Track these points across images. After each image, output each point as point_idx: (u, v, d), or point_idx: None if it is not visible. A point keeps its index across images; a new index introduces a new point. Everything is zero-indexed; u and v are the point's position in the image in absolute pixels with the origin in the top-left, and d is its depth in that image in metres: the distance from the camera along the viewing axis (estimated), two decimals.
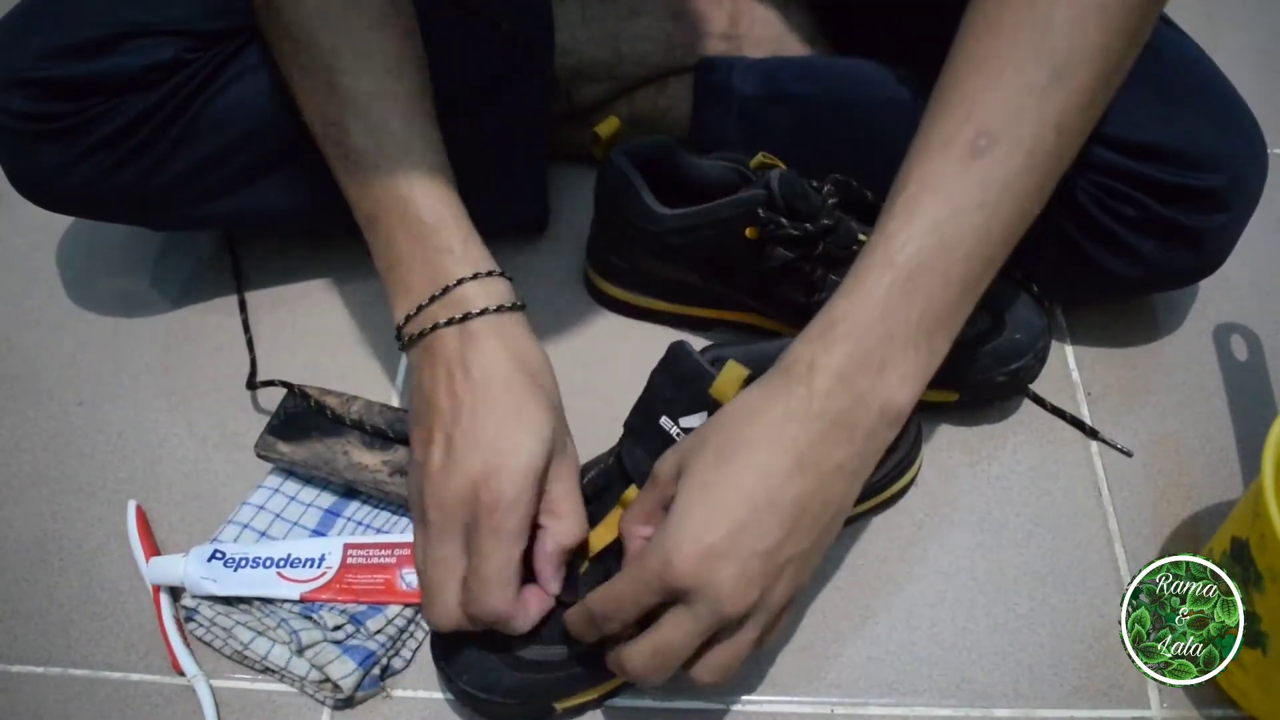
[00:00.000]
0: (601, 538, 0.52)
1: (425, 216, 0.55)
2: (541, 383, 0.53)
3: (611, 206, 0.70)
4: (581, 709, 0.56)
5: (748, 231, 0.64)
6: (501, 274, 0.56)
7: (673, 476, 0.48)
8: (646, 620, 0.47)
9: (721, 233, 0.65)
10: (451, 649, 0.54)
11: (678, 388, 0.52)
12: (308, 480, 0.65)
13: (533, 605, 0.51)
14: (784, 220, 0.62)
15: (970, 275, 0.47)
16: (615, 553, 0.51)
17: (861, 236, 0.64)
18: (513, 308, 0.55)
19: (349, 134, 0.56)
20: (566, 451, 0.53)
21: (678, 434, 0.51)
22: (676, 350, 0.53)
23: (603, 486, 0.55)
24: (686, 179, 0.69)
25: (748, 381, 0.49)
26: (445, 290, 0.53)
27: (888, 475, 0.61)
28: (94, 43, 0.63)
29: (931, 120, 0.49)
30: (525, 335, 0.54)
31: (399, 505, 0.63)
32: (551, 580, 0.52)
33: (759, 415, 0.47)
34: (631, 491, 0.52)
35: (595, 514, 0.53)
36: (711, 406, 0.50)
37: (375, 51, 0.56)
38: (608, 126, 0.72)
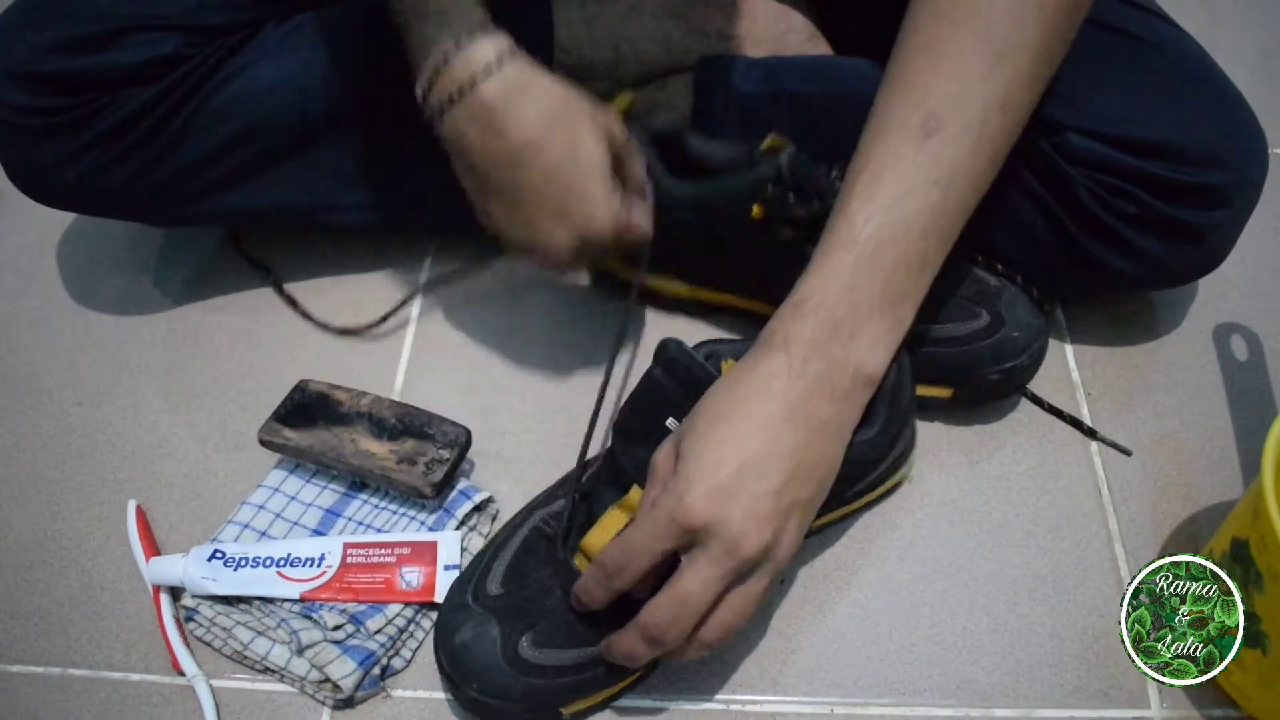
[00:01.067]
0: (598, 539, 0.52)
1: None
2: (579, 102, 0.57)
3: None
4: (588, 713, 0.56)
5: (754, 210, 0.63)
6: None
7: (671, 458, 0.49)
8: (654, 587, 0.48)
9: (729, 207, 0.65)
10: (457, 657, 0.53)
11: (684, 389, 0.52)
12: (309, 479, 0.65)
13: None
14: (791, 197, 0.62)
15: (928, 249, 0.51)
16: None
17: None
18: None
19: None
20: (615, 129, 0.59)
21: None
22: (674, 350, 0.53)
23: (583, 493, 0.56)
24: (695, 160, 0.68)
25: None
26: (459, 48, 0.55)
27: (885, 470, 0.61)
28: (94, 37, 0.63)
29: (885, 104, 0.52)
30: (542, 69, 0.57)
31: (407, 495, 0.63)
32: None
33: (745, 380, 0.49)
34: (635, 493, 0.52)
35: (590, 517, 0.54)
36: None
37: None
38: (620, 101, 0.71)
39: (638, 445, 0.53)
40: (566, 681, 0.53)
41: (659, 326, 0.74)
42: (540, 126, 0.55)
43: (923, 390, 0.65)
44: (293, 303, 0.76)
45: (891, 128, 0.51)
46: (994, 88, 0.51)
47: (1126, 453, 0.67)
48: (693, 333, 0.72)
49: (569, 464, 0.60)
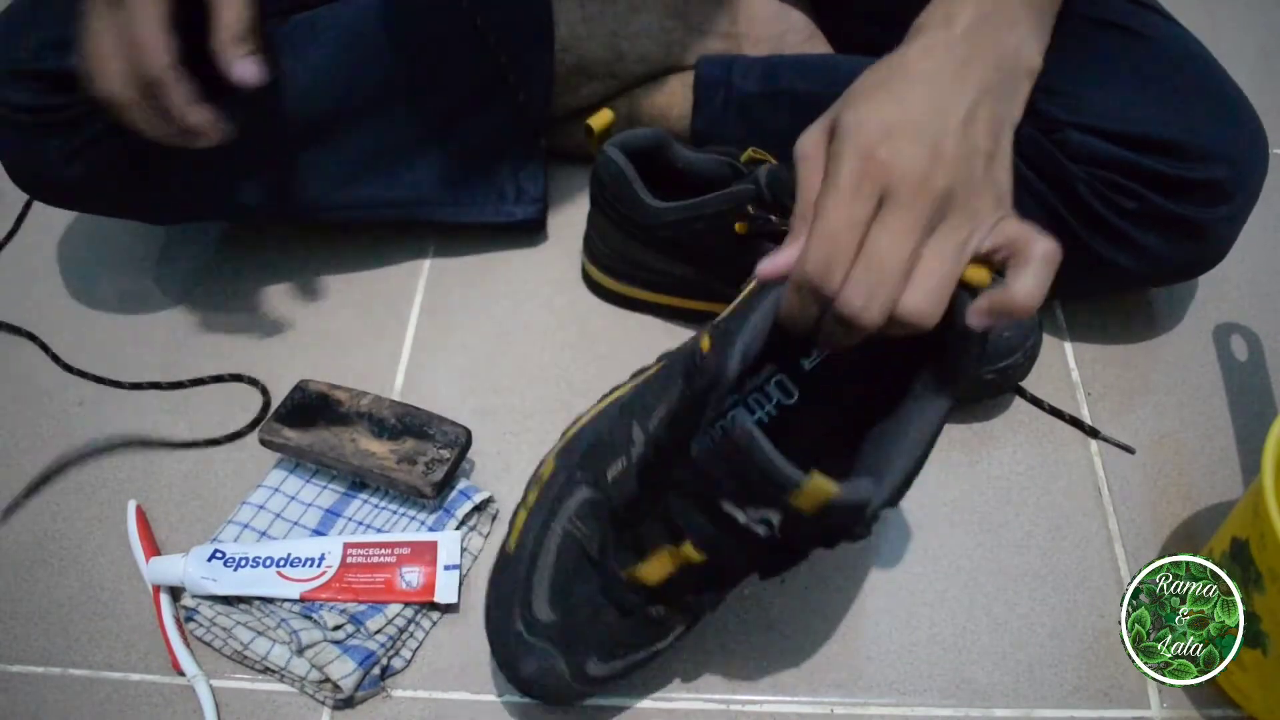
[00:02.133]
0: (650, 573, 0.49)
1: None
2: None
3: (604, 198, 0.70)
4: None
5: (737, 226, 0.64)
6: None
7: (823, 138, 0.46)
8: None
9: (711, 226, 0.65)
10: (528, 689, 0.53)
11: (742, 480, 0.45)
12: (309, 479, 0.65)
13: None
14: (772, 217, 0.62)
15: None
16: (674, 586, 0.50)
17: None
18: None
19: None
20: None
21: (745, 521, 0.45)
22: (750, 444, 0.44)
23: (636, 519, 0.51)
24: (679, 172, 0.69)
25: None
26: None
27: None
28: None
29: None
30: None
31: (407, 495, 0.63)
32: (235, 61, 0.56)
33: (903, 52, 0.48)
34: (689, 550, 0.47)
35: (634, 544, 0.51)
36: (789, 510, 0.44)
37: None
38: (600, 119, 0.72)
39: (693, 510, 0.47)
40: (630, 677, 0.54)
41: (649, 335, 0.74)
42: None
43: None
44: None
45: None
46: None
47: (1129, 450, 0.67)
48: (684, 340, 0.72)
49: None
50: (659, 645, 0.54)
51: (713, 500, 0.46)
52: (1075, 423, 0.68)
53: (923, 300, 0.43)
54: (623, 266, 0.73)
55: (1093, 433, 0.68)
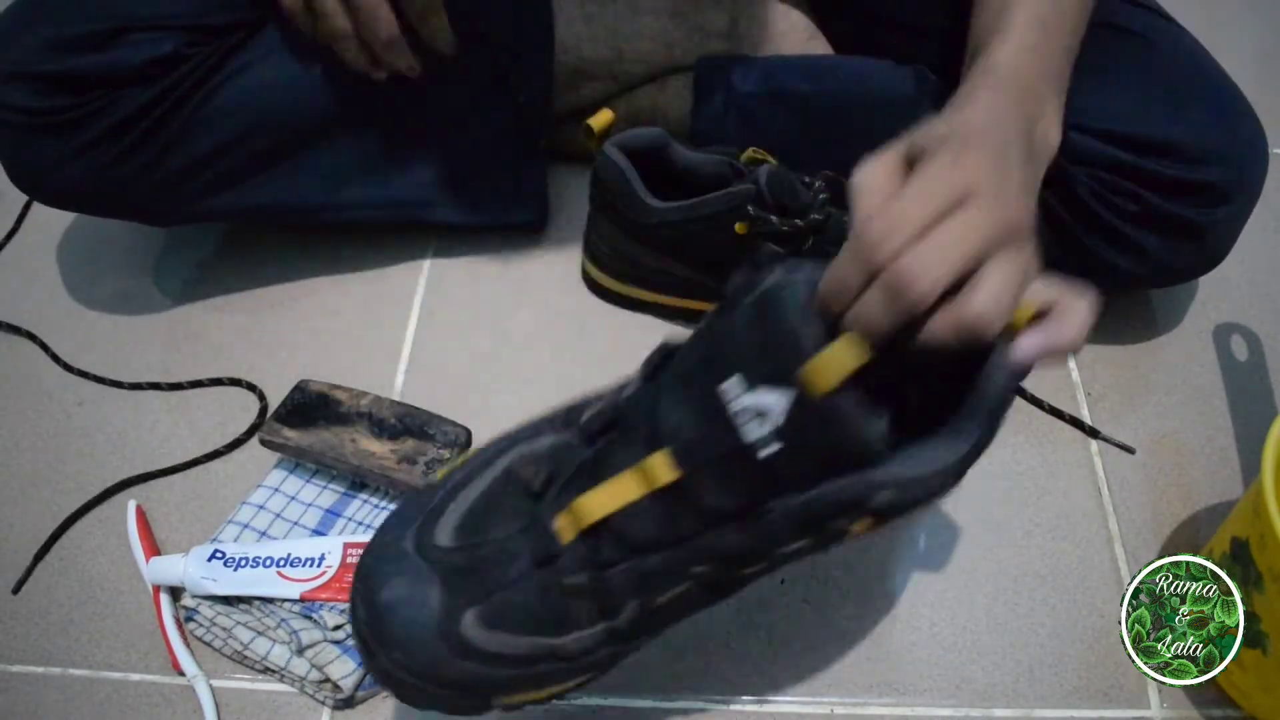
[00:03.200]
0: (599, 505, 0.42)
1: None
2: None
3: (604, 198, 0.70)
4: (523, 705, 0.47)
5: (737, 226, 0.64)
6: None
7: (895, 170, 0.43)
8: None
9: (711, 227, 0.65)
10: (381, 618, 0.43)
11: (762, 346, 0.39)
12: (308, 479, 0.65)
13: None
14: (773, 218, 0.62)
15: (1074, 44, 0.57)
16: (608, 530, 0.42)
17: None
18: None
19: None
20: None
21: (739, 409, 0.39)
22: (777, 291, 0.39)
23: (613, 426, 0.44)
24: (679, 171, 0.69)
25: (855, 373, 0.38)
26: None
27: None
28: (95, 36, 0.63)
29: None
30: None
31: (407, 494, 0.63)
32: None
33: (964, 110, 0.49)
34: (660, 461, 0.41)
35: (596, 466, 0.43)
36: (796, 390, 0.38)
37: None
38: (600, 119, 0.72)
39: (679, 405, 0.41)
40: (510, 674, 0.43)
41: (649, 335, 0.74)
42: None
43: None
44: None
45: None
46: None
47: (1129, 450, 0.67)
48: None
49: None
50: (552, 642, 0.43)
51: (709, 385, 0.39)
52: (1075, 423, 0.68)
53: (989, 301, 0.40)
54: (623, 266, 0.73)
55: (1093, 433, 0.68)
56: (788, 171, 0.62)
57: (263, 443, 0.64)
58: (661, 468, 0.41)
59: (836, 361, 0.37)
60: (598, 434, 0.45)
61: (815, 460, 0.39)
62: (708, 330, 0.41)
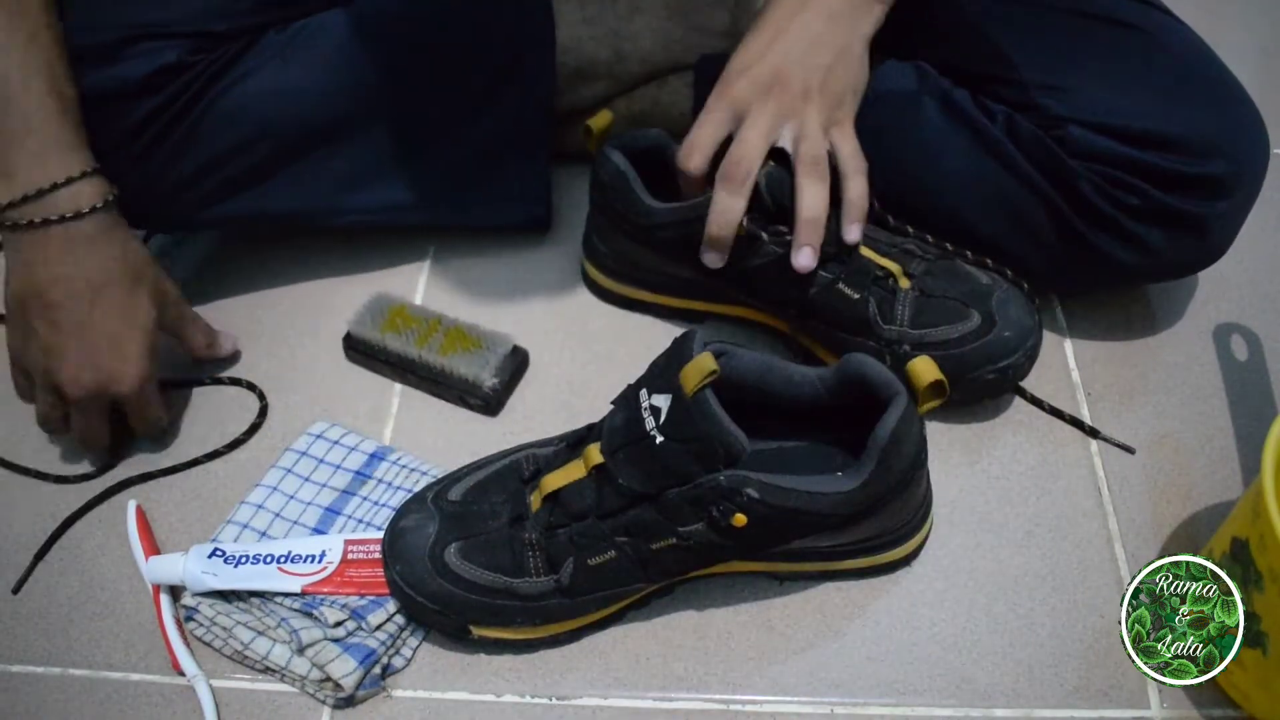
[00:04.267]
0: (555, 481, 0.55)
1: (31, 110, 0.59)
2: (140, 269, 0.64)
3: (604, 199, 0.70)
4: (498, 644, 0.58)
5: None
6: (97, 170, 0.62)
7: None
8: None
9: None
10: (394, 539, 0.58)
11: (665, 367, 0.53)
12: (307, 478, 0.65)
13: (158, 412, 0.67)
14: (770, 224, 0.63)
15: None
16: (562, 497, 0.55)
17: None
18: (112, 202, 0.62)
19: None
20: (178, 307, 0.68)
21: (645, 407, 0.53)
22: (685, 337, 0.54)
23: (572, 444, 0.58)
24: (679, 173, 0.69)
25: (713, 378, 0.51)
26: (54, 187, 0.60)
27: (862, 542, 0.59)
28: (99, 48, 0.63)
29: None
30: (120, 228, 0.63)
31: (463, 394, 0.69)
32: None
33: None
34: (594, 449, 0.54)
35: (567, 460, 0.57)
36: (675, 391, 0.51)
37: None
38: (600, 120, 0.72)
39: (618, 411, 0.55)
40: (475, 599, 0.56)
41: (649, 335, 0.74)
42: (106, 275, 0.61)
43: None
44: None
45: None
46: None
47: (1129, 450, 0.67)
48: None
49: None
50: (509, 580, 0.56)
51: (635, 395, 0.54)
52: (1075, 423, 0.68)
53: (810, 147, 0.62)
54: (622, 267, 0.73)
55: (1093, 433, 0.67)
56: (786, 173, 0.63)
57: (350, 336, 0.72)
58: (594, 453, 0.54)
59: (696, 367, 0.51)
60: (576, 444, 0.58)
61: (689, 450, 0.51)
62: (647, 370, 0.55)
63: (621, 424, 0.54)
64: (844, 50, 0.63)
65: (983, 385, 0.65)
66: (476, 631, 0.57)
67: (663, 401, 0.52)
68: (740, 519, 0.52)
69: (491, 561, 0.56)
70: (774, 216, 0.63)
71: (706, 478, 0.51)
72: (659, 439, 0.52)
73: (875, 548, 0.60)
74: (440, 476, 0.62)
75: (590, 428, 0.58)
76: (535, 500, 0.56)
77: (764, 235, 0.63)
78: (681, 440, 0.51)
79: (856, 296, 0.65)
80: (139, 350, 0.63)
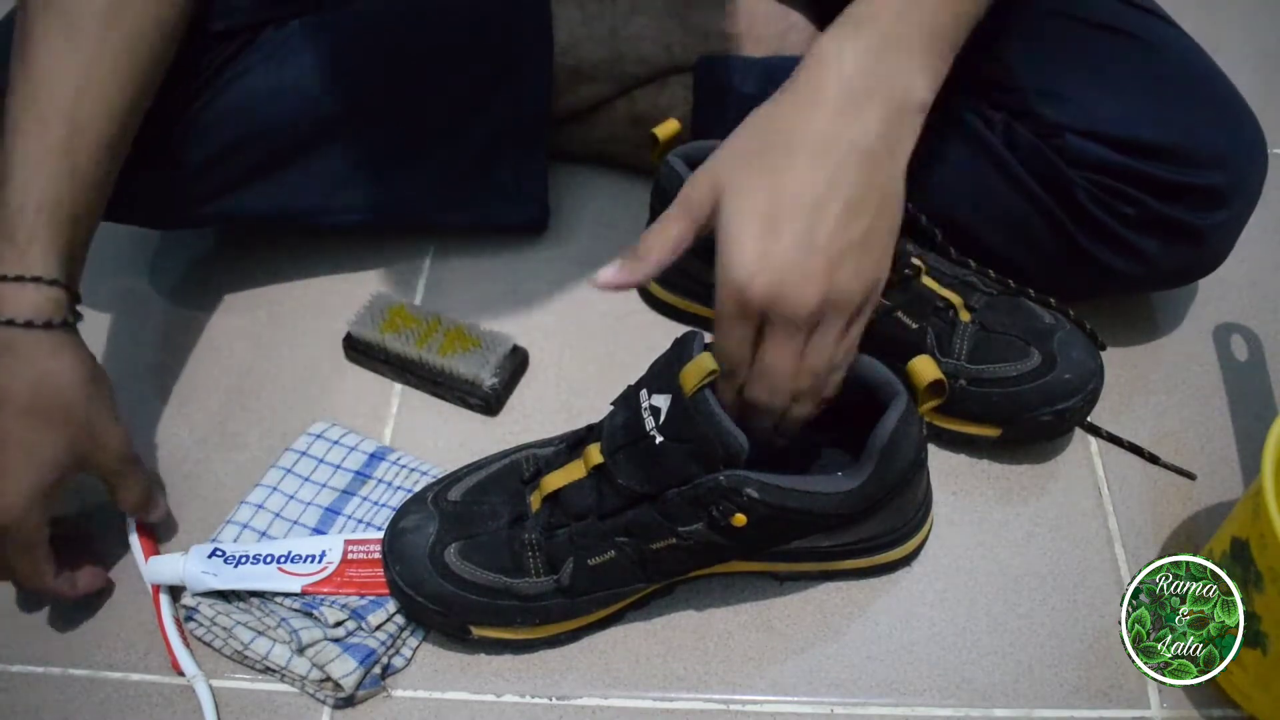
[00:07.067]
0: (555, 481, 0.55)
1: (9, 198, 0.55)
2: (64, 403, 0.55)
3: (664, 208, 0.69)
4: (498, 644, 0.58)
5: None
6: (64, 285, 0.56)
7: (707, 193, 0.50)
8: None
9: None
10: (394, 539, 0.57)
11: (666, 367, 0.53)
12: (306, 478, 0.65)
13: (82, 580, 0.59)
14: None
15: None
16: (562, 497, 0.55)
17: (915, 260, 0.63)
18: (61, 325, 0.56)
19: None
20: (120, 459, 0.58)
21: (645, 407, 0.52)
22: (685, 338, 0.53)
23: (572, 444, 0.58)
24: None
25: (713, 378, 0.51)
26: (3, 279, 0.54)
27: (866, 541, 0.59)
28: None
29: None
30: (60, 354, 0.56)
31: (463, 394, 0.69)
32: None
33: (791, 101, 0.51)
34: (594, 449, 0.54)
35: (566, 460, 0.57)
36: (675, 391, 0.51)
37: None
38: (666, 129, 0.70)
39: (618, 411, 0.55)
40: (475, 600, 0.56)
41: (649, 335, 0.74)
42: (17, 396, 0.54)
43: (970, 429, 0.65)
44: None
45: None
46: None
47: (1190, 476, 0.65)
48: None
49: None
50: (509, 581, 0.55)
51: (634, 396, 0.54)
52: (1135, 449, 0.66)
53: (810, 382, 0.52)
54: (677, 279, 0.72)
55: (1152, 459, 0.66)
56: None
57: (350, 336, 0.71)
58: (594, 453, 0.54)
59: (696, 367, 0.50)
60: (576, 444, 0.58)
61: (689, 450, 0.51)
62: (646, 371, 0.55)
63: (621, 424, 0.54)
64: (882, 205, 0.50)
65: (1038, 426, 0.63)
66: (476, 632, 0.57)
67: (662, 402, 0.52)
68: (740, 519, 0.52)
69: (491, 562, 0.56)
70: None
71: (706, 477, 0.51)
72: (659, 439, 0.52)
73: (875, 548, 0.59)
74: (440, 476, 0.62)
75: (590, 428, 0.58)
76: (535, 500, 0.56)
77: None
78: (681, 440, 0.51)
79: (915, 326, 0.63)
80: (19, 488, 0.54)
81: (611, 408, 0.56)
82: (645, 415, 0.52)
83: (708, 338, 0.54)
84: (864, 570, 0.61)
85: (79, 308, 0.59)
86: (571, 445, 0.58)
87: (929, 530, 0.62)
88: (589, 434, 0.57)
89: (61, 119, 0.56)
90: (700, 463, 0.51)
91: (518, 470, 0.59)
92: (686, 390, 0.51)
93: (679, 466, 0.52)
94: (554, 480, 0.56)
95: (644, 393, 0.53)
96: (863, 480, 0.53)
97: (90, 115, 0.57)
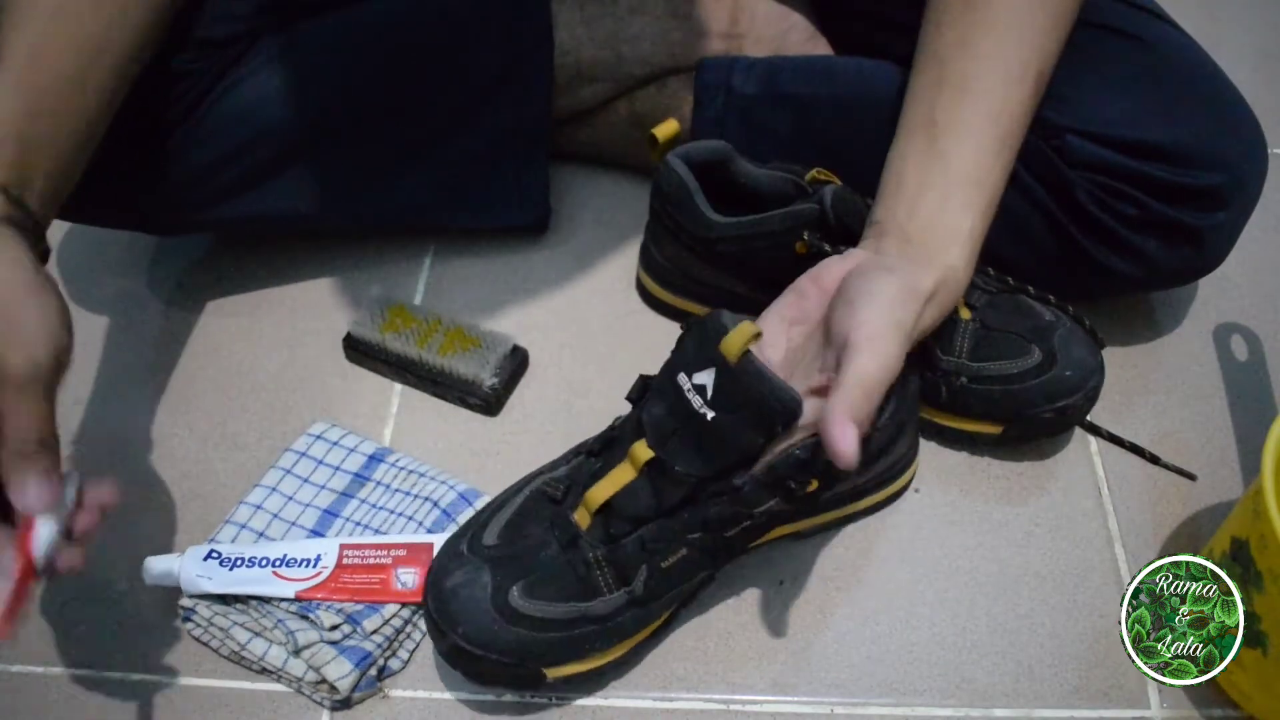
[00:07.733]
0: (603, 491, 0.52)
1: None
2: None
3: (664, 209, 0.69)
4: (571, 681, 0.55)
5: (798, 246, 0.63)
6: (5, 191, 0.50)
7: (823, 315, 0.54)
8: None
9: (772, 244, 0.64)
10: (445, 602, 0.53)
11: (699, 347, 0.51)
12: (306, 479, 0.65)
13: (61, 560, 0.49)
14: (826, 246, 0.61)
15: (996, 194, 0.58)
16: (615, 505, 0.52)
17: None
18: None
19: None
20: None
21: (689, 389, 0.50)
22: (713, 314, 0.52)
23: (613, 439, 0.55)
24: (740, 186, 0.68)
25: (757, 340, 0.50)
26: None
27: (883, 475, 0.61)
28: None
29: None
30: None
31: (463, 394, 0.69)
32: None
33: (896, 288, 0.53)
34: (640, 445, 0.51)
35: (601, 468, 0.54)
36: (720, 364, 0.49)
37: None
38: (666, 129, 0.70)
39: (657, 402, 0.52)
40: (553, 637, 0.53)
41: (649, 336, 0.74)
42: None
43: (971, 426, 0.65)
44: None
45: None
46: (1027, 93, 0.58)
47: (1191, 477, 0.65)
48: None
49: None
50: (583, 605, 0.53)
51: (671, 383, 0.51)
52: (1135, 450, 0.66)
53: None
54: (677, 279, 0.72)
55: (1153, 459, 0.66)
56: (852, 192, 0.62)
57: (350, 335, 0.71)
58: (642, 450, 0.51)
59: (739, 334, 0.49)
60: (600, 451, 0.55)
61: (744, 419, 0.49)
62: (672, 357, 0.53)
63: (666, 412, 0.51)
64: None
65: (1040, 423, 0.63)
66: (551, 674, 0.54)
67: (706, 378, 0.50)
68: (814, 484, 0.51)
69: (560, 592, 0.53)
70: (838, 235, 0.62)
71: (782, 453, 0.50)
72: (709, 415, 0.49)
73: (886, 480, 0.61)
74: (454, 530, 0.58)
75: (598, 437, 0.56)
76: (583, 518, 0.53)
77: (826, 248, 0.62)
78: (734, 410, 0.49)
79: None
80: None
81: (617, 417, 0.55)
82: (690, 395, 0.50)
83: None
84: (879, 505, 0.63)
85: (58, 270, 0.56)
86: (590, 454, 0.56)
87: (918, 459, 0.65)
88: (599, 443, 0.56)
89: (25, 44, 0.52)
90: (758, 428, 0.49)
91: (544, 496, 0.56)
92: (731, 357, 0.49)
93: (737, 437, 0.50)
94: (601, 491, 0.52)
95: (681, 376, 0.51)
96: (890, 410, 0.55)
97: (58, 47, 0.53)
